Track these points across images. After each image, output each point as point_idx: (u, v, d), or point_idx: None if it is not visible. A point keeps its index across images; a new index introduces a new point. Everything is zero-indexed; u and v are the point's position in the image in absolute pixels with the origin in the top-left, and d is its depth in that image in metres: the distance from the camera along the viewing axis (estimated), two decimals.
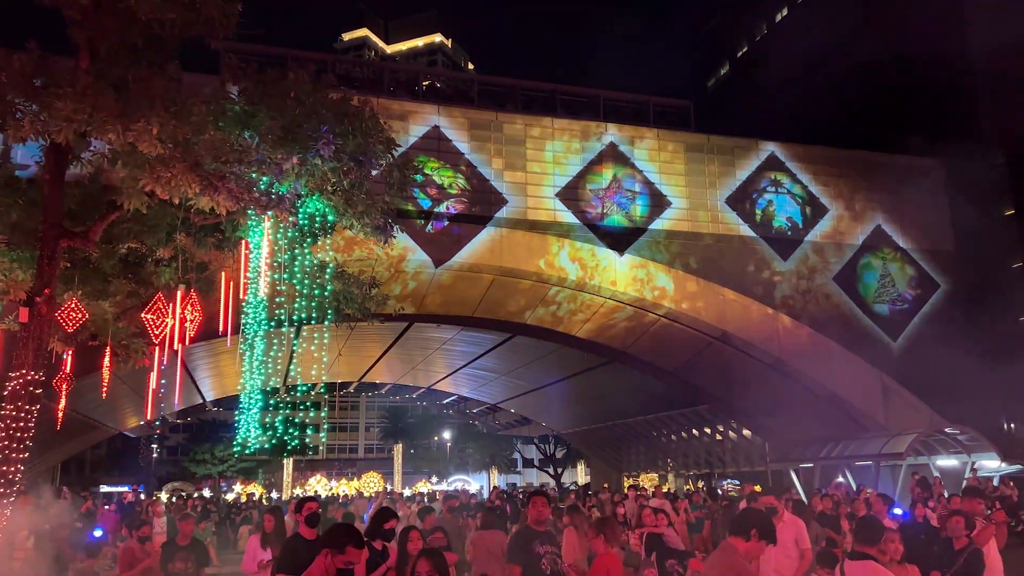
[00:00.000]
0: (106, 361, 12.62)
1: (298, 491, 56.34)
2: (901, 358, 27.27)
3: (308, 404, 56.81)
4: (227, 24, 9.44)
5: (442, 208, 24.33)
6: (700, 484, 37.31)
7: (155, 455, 68.97)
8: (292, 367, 21.64)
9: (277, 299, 12.23)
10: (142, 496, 32.64)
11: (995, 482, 21.62)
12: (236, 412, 12.87)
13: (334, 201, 11.06)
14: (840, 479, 23.69)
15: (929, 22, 31.53)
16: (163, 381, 14.42)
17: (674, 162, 27.21)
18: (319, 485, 61.18)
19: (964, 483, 20.83)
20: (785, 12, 46.46)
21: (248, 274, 11.27)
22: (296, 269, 12.01)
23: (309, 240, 11.86)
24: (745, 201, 27.67)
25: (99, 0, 8.88)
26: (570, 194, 25.73)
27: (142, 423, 43.34)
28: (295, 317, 12.40)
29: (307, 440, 62.85)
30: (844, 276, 28.08)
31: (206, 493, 49.93)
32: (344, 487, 58.48)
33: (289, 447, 54.16)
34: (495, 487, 42.36)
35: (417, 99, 26.11)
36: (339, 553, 5.09)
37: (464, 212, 24.59)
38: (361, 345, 33.70)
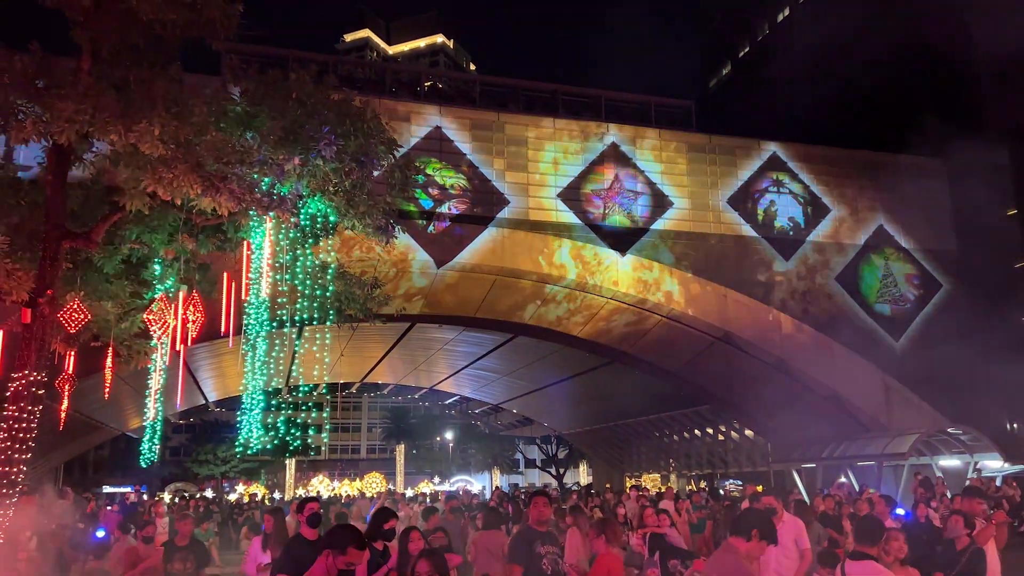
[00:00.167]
0: (108, 362, 12.66)
1: (301, 492, 56.38)
2: (903, 358, 27.23)
3: (310, 405, 56.87)
4: (228, 25, 9.43)
5: (444, 208, 24.36)
6: (702, 484, 37.27)
7: (157, 456, 68.87)
8: (294, 368, 21.62)
9: (279, 300, 12.24)
10: (144, 496, 32.68)
11: (998, 482, 21.53)
12: (238, 413, 12.88)
13: (336, 202, 11.06)
14: (842, 479, 23.63)
15: (932, 21, 31.43)
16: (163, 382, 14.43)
17: (676, 162, 27.19)
18: (321, 486, 61.19)
19: (967, 483, 20.77)
20: (787, 12, 46.45)
21: (250, 275, 11.29)
22: (298, 270, 12.02)
23: (311, 241, 11.87)
24: (747, 201, 27.66)
25: (100, 1, 8.87)
26: (572, 194, 25.73)
27: (145, 424, 43.30)
28: (297, 318, 12.40)
29: (309, 441, 62.95)
30: (846, 276, 28.05)
31: (209, 494, 49.97)
32: (346, 488, 58.50)
33: (291, 448, 54.16)
34: (497, 487, 42.35)
35: (419, 100, 26.12)
36: (340, 554, 5.12)
37: (466, 212, 24.60)
38: (363, 346, 33.73)
